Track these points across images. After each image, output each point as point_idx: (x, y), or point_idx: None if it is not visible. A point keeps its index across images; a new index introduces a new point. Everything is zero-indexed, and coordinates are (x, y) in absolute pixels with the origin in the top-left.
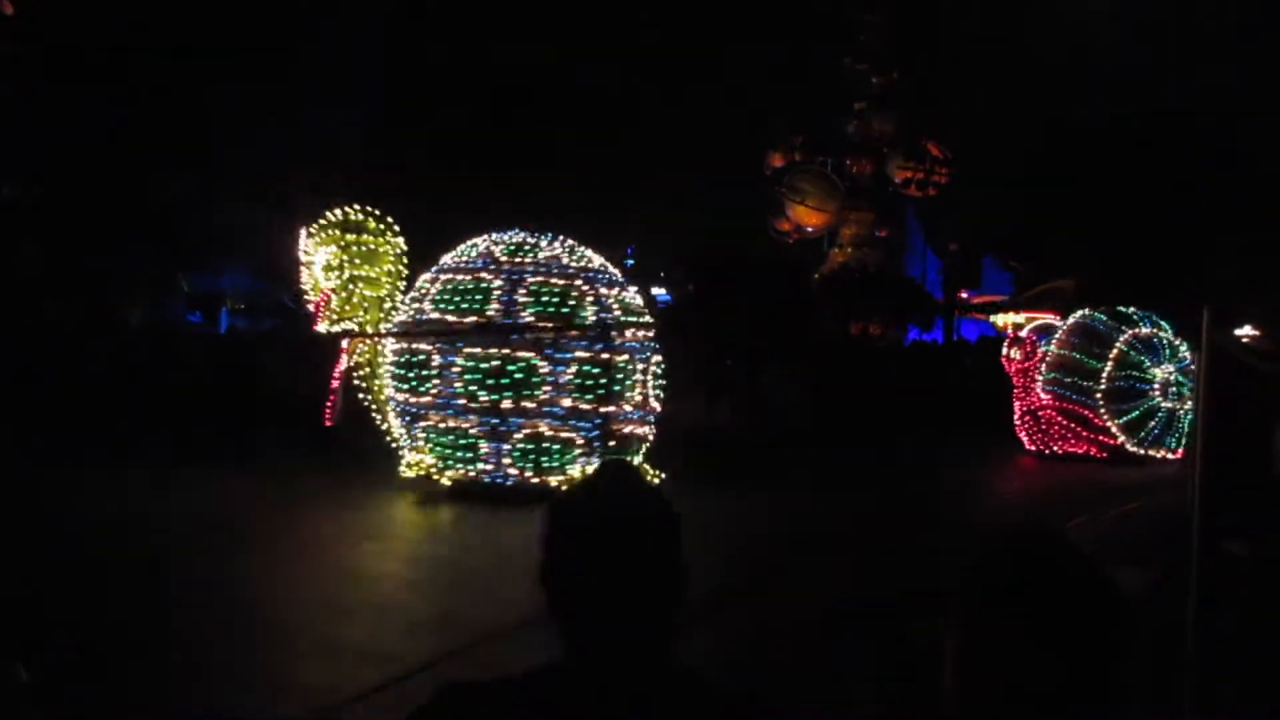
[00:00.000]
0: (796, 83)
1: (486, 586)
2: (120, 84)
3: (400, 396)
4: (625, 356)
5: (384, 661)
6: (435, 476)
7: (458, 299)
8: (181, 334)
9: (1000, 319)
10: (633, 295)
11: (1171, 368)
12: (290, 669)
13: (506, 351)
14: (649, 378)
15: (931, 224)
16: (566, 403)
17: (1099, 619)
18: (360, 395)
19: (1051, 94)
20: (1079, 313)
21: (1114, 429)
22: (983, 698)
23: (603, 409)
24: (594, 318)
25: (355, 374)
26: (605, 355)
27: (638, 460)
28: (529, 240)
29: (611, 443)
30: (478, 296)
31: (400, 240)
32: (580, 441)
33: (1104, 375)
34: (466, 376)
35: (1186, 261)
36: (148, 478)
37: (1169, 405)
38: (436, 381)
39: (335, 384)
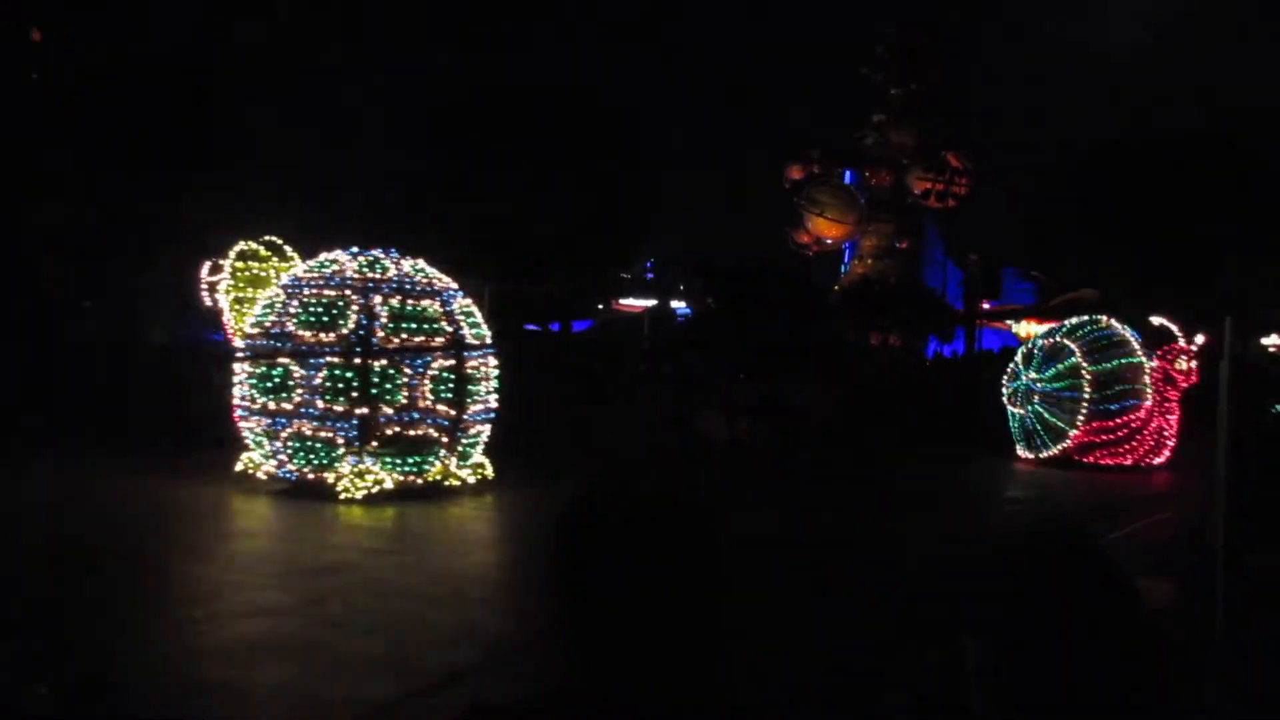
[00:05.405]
0: (815, 95)
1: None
2: (140, 105)
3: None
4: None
5: (404, 673)
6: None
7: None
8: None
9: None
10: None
11: (1032, 374)
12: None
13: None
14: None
15: (951, 235)
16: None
17: (1132, 630)
18: None
19: (1074, 105)
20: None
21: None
22: (1010, 716)
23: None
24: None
25: None
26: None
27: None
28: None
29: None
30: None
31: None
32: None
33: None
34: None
35: (1207, 271)
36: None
37: (1016, 410)
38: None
39: None
